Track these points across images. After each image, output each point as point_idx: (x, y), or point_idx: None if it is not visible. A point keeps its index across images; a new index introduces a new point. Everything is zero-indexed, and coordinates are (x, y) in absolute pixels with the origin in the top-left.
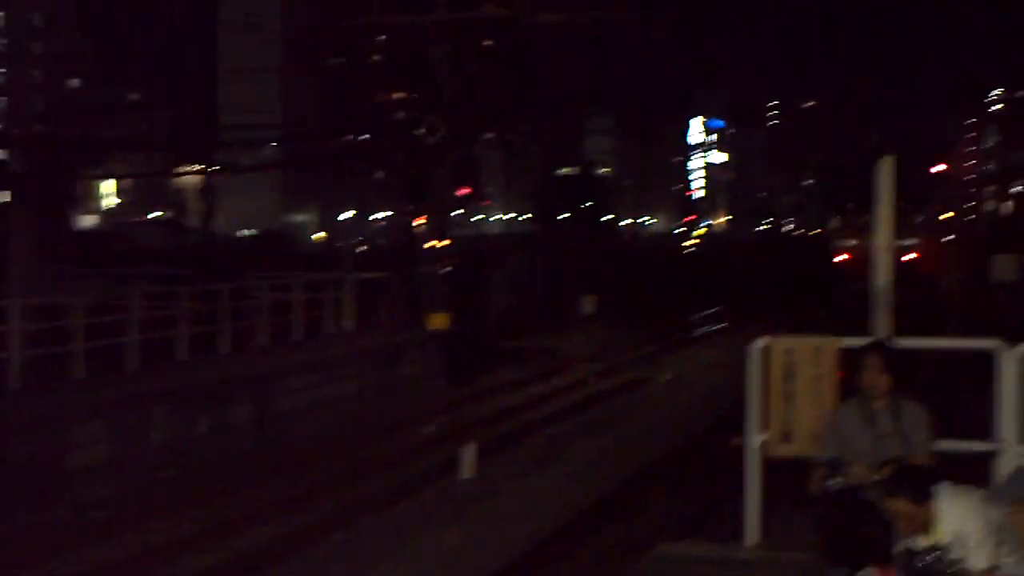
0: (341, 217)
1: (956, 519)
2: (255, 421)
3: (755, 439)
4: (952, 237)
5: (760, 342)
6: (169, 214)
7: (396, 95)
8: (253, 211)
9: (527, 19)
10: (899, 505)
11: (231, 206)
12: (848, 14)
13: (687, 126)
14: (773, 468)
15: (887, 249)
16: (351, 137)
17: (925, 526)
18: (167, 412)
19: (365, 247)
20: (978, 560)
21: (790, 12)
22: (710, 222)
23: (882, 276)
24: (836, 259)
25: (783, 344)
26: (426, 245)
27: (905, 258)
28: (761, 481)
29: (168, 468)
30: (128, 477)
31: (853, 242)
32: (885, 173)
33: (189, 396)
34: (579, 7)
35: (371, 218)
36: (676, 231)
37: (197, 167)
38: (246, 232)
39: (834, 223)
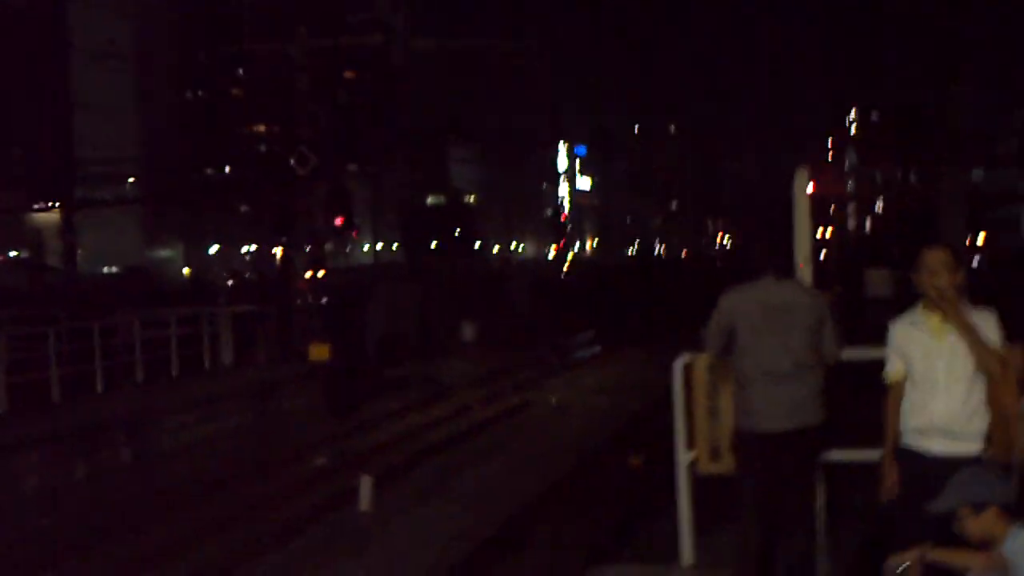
0: (210, 251)
1: None
2: (134, 463)
3: (683, 457)
4: (826, 253)
5: (683, 358)
6: (25, 253)
7: (260, 128)
8: (115, 247)
9: (403, 46)
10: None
11: (92, 242)
12: (709, 39)
13: (553, 153)
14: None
15: (807, 261)
16: (213, 171)
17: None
18: (40, 457)
19: (232, 281)
20: None
21: (656, 40)
22: (578, 248)
23: None
24: None
25: (705, 360)
26: (307, 275)
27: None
28: (691, 500)
29: (39, 517)
30: None
31: None
32: (800, 187)
33: (63, 439)
34: (452, 34)
35: (243, 251)
36: (547, 257)
37: (54, 203)
38: (107, 269)
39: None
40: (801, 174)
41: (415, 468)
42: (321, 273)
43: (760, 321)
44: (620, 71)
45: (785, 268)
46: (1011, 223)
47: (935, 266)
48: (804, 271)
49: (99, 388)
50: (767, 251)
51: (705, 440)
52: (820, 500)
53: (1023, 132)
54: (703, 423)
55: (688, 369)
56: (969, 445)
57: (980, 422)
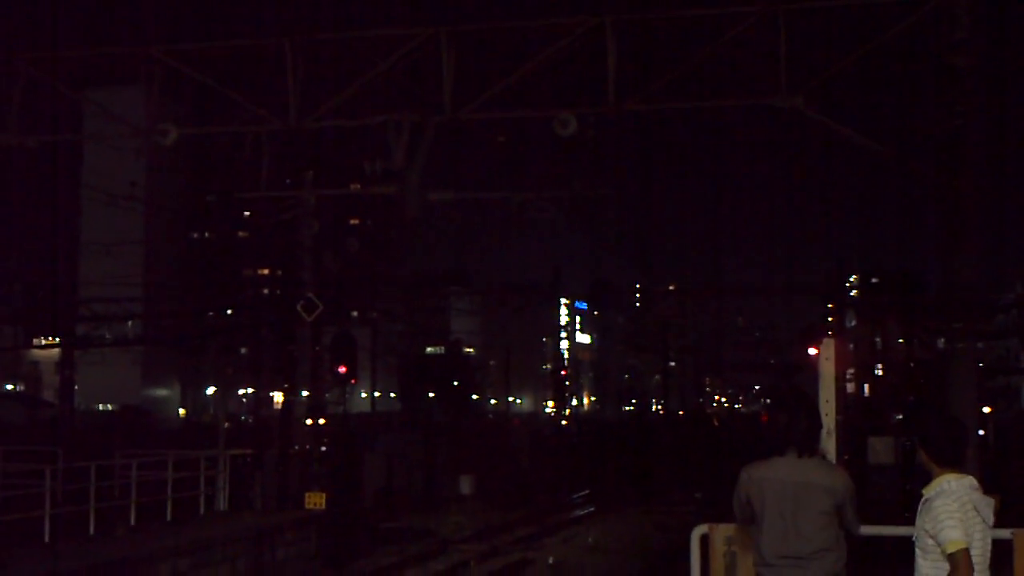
0: (207, 392)
1: None
2: None
3: None
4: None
5: (700, 529)
6: (21, 387)
7: (263, 271)
8: (112, 384)
9: (419, 196)
10: None
11: (89, 379)
12: (707, 202)
13: (555, 306)
14: None
15: (831, 433)
16: (214, 314)
17: None
18: None
19: (228, 424)
20: None
21: (660, 199)
22: (575, 403)
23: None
24: None
25: (723, 531)
26: (307, 422)
27: None
28: None
29: None
30: None
31: None
32: (825, 357)
33: None
34: (466, 185)
35: (240, 393)
36: (545, 411)
37: (53, 340)
38: (102, 407)
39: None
40: (827, 344)
41: None
42: (321, 420)
43: (778, 499)
44: (624, 228)
45: (809, 445)
46: (1011, 393)
47: None
48: (829, 443)
49: (91, 530)
50: (790, 426)
51: None
52: None
53: (1021, 303)
54: None
55: (705, 540)
56: None
57: None
